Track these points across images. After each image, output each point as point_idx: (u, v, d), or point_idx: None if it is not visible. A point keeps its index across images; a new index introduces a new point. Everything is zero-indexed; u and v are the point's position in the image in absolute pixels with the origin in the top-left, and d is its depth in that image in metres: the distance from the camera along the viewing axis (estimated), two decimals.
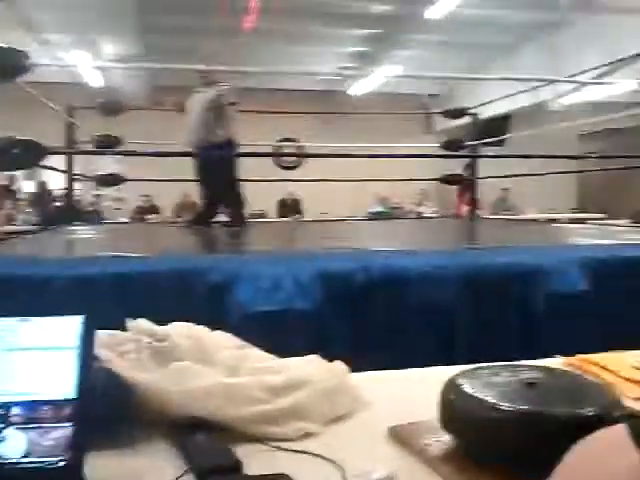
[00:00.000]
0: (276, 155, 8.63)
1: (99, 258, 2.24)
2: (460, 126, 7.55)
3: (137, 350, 0.95)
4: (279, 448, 0.84)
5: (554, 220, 8.14)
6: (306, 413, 0.91)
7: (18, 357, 0.75)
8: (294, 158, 9.26)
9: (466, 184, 6.24)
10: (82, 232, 4.62)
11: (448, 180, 6.15)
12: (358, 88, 11.51)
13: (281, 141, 8.72)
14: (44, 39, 8.32)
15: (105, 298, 1.90)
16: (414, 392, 1.06)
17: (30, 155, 2.25)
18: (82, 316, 0.77)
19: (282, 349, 1.12)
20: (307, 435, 0.89)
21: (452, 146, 5.94)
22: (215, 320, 1.16)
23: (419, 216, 9.60)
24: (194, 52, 9.13)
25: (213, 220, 4.85)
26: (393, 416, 0.93)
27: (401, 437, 0.88)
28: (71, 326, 0.77)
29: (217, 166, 4.61)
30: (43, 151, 2.30)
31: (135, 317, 1.08)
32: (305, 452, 0.82)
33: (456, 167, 6.50)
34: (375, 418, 0.96)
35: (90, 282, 1.99)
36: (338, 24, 9.12)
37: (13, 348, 0.76)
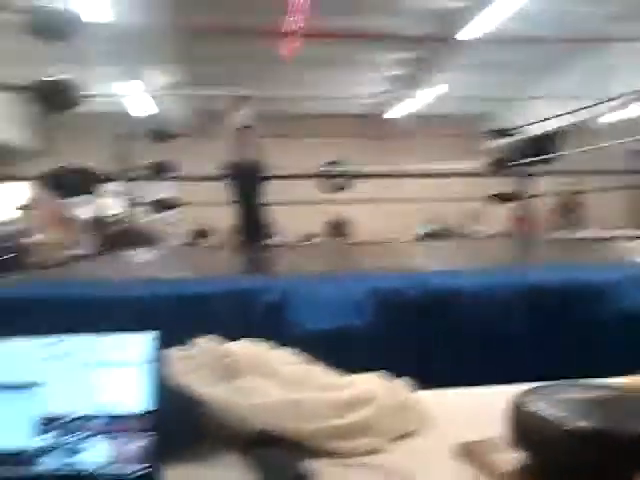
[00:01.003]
0: (322, 176, 8.68)
1: (158, 280, 2.30)
2: (506, 145, 7.49)
3: (204, 366, 0.97)
4: (348, 463, 0.85)
5: (617, 237, 7.90)
6: (373, 429, 0.91)
7: (96, 372, 0.78)
8: (341, 181, 9.30)
9: (519, 202, 6.15)
10: (139, 256, 4.73)
11: (499, 198, 6.07)
12: (400, 110, 11.52)
13: (328, 164, 8.76)
14: (95, 71, 8.62)
15: (166, 318, 1.94)
16: (477, 410, 1.05)
17: (86, 182, 2.34)
18: (152, 333, 0.79)
19: (337, 367, 1.12)
20: (375, 451, 0.89)
21: (499, 165, 5.88)
22: (272, 339, 1.17)
23: (470, 235, 9.49)
24: (234, 80, 9.36)
25: (257, 241, 4.94)
26: (459, 433, 0.92)
27: (470, 454, 0.87)
28: (142, 343, 0.79)
29: (243, 189, 4.76)
30: (98, 178, 2.38)
31: (197, 336, 1.10)
32: (374, 467, 0.82)
33: (505, 186, 6.42)
34: (442, 435, 0.96)
35: (150, 303, 2.04)
36: (378, 48, 9.18)
37: (90, 363, 0.78)
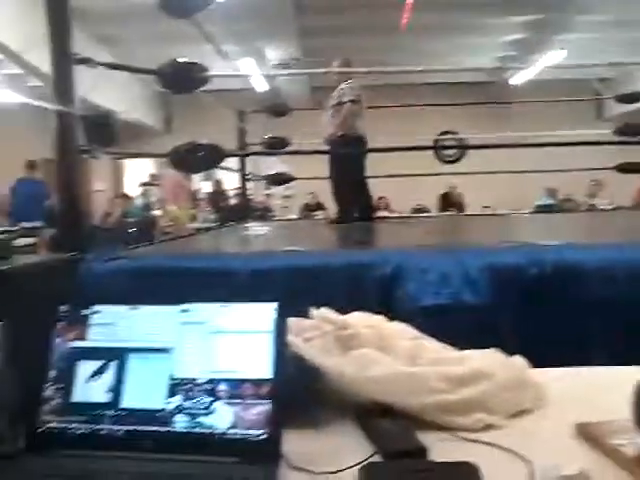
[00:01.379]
0: (436, 148, 8.51)
1: (275, 252, 2.37)
2: (636, 111, 7.00)
3: (321, 337, 1.00)
4: (462, 437, 0.85)
5: None
6: (488, 405, 0.90)
7: (221, 339, 0.83)
8: (455, 151, 9.09)
9: None
10: (256, 229, 4.90)
11: (626, 169, 5.69)
12: (519, 77, 11.04)
13: (442, 134, 8.58)
14: (217, 50, 8.88)
15: (282, 290, 2.00)
16: (597, 390, 1.02)
17: (212, 157, 2.44)
18: (274, 303, 0.83)
19: (450, 343, 1.12)
20: (489, 427, 0.89)
21: (629, 132, 5.49)
22: (384, 313, 1.18)
23: (592, 208, 9.00)
24: (351, 52, 9.30)
25: (354, 216, 4.92)
26: (578, 414, 0.90)
27: (590, 435, 0.84)
28: (265, 312, 0.83)
29: (342, 163, 4.72)
30: (222, 154, 2.47)
31: (311, 308, 1.13)
32: (490, 443, 0.82)
33: (634, 155, 6.02)
34: (559, 414, 0.94)
35: (267, 274, 2.12)
36: (495, 13, 8.80)
37: (216, 331, 0.84)
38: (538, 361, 1.10)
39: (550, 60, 9.28)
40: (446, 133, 8.69)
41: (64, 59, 2.15)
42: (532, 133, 6.40)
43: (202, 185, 12.03)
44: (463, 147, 8.25)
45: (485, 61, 10.54)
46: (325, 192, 10.03)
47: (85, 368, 0.84)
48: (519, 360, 1.03)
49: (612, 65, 9.22)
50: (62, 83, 2.18)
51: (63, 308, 0.88)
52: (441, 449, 0.81)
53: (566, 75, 10.43)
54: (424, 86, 11.00)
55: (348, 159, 4.75)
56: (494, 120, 10.08)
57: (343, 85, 4.81)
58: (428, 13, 8.21)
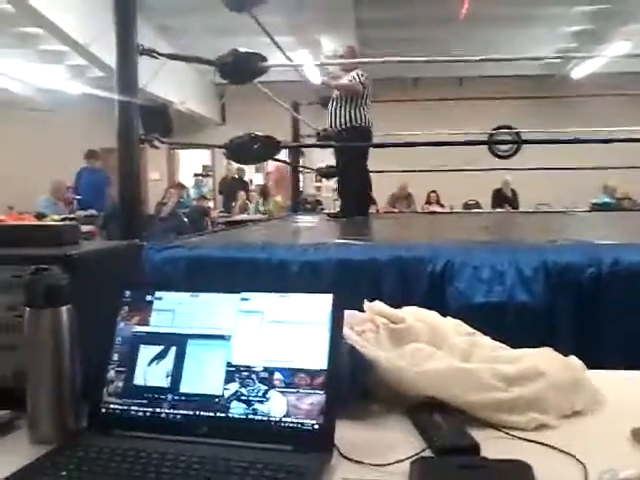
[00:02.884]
0: (490, 143, 8.37)
1: (326, 244, 2.38)
2: None
3: (374, 330, 1.01)
4: (514, 436, 0.85)
5: None
6: (541, 405, 0.90)
7: (278, 328, 0.85)
8: (510, 146, 8.92)
9: None
10: (305, 221, 4.92)
11: None
12: (581, 69, 10.74)
13: (497, 129, 8.43)
14: (273, 41, 8.92)
15: (332, 282, 2.02)
16: None
17: (267, 149, 2.47)
18: (332, 295, 0.85)
19: (501, 341, 1.11)
20: (542, 427, 0.88)
21: None
22: (435, 308, 1.18)
23: None
24: (407, 43, 9.21)
25: (363, 209, 4.87)
26: (635, 418, 0.88)
27: None
28: (322, 303, 0.85)
29: (344, 153, 4.67)
30: (278, 145, 2.51)
31: (363, 300, 1.14)
32: (543, 443, 0.82)
33: None
34: (615, 418, 0.92)
35: (317, 266, 2.13)
36: (558, 2, 8.57)
37: (274, 320, 0.86)
38: (593, 362, 1.08)
39: (614, 52, 8.99)
40: (502, 128, 8.53)
41: (129, 50, 2.21)
42: (591, 129, 6.22)
43: (254, 177, 12.16)
44: (518, 142, 8.08)
45: (546, 53, 10.27)
46: (377, 185, 9.96)
47: (146, 352, 0.87)
48: (575, 361, 1.02)
49: None
50: (126, 74, 2.24)
51: (127, 293, 0.91)
52: (493, 447, 0.80)
53: (630, 68, 10.09)
54: (482, 79, 10.82)
55: (356, 152, 4.70)
56: (552, 114, 9.85)
57: (353, 73, 4.76)
58: (488, 3, 8.06)
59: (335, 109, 4.74)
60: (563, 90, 10.44)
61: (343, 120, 4.68)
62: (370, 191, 5.28)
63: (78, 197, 8.23)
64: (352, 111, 4.70)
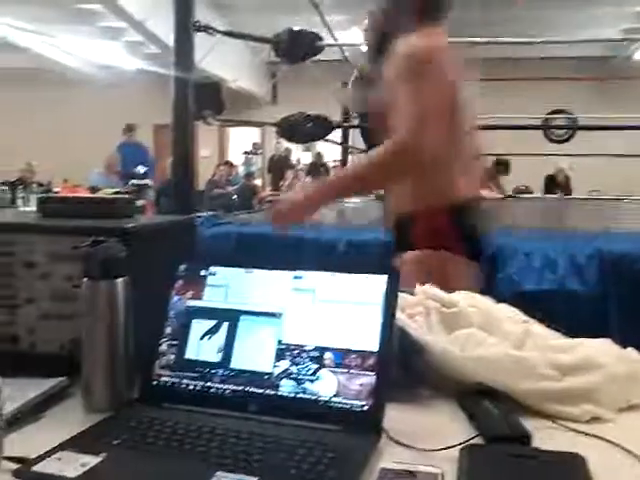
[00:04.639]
0: (545, 128, 8.16)
1: (371, 226, 2.37)
2: None
3: (426, 313, 1.00)
4: (567, 427, 0.83)
5: None
6: (596, 396, 0.87)
7: (330, 308, 0.85)
8: (565, 131, 8.68)
9: None
10: (353, 201, 4.90)
11: None
12: None
13: (552, 113, 8.20)
14: (326, 20, 8.86)
15: (378, 263, 2.01)
16: None
17: (320, 129, 2.47)
18: (386, 275, 0.84)
19: (554, 330, 1.08)
20: (596, 419, 0.86)
21: None
22: (486, 294, 1.16)
23: None
24: (465, 23, 8.99)
25: None
26: None
27: None
28: (376, 284, 0.84)
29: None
30: (331, 125, 2.50)
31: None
32: (598, 436, 0.79)
33: None
34: None
35: (362, 247, 2.13)
36: None
37: (326, 299, 0.85)
38: None
39: None
40: (558, 112, 8.30)
41: (186, 27, 2.22)
42: None
43: (302, 156, 12.16)
44: (573, 127, 7.85)
45: (609, 34, 9.90)
46: None
47: (199, 327, 0.88)
48: (633, 353, 0.99)
49: None
50: (182, 50, 2.26)
51: (182, 267, 0.92)
52: (545, 437, 0.79)
53: None
54: (540, 60, 10.51)
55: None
56: (612, 97, 9.53)
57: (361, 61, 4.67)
58: None
59: (359, 90, 4.67)
60: (625, 72, 10.08)
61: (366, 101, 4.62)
62: None
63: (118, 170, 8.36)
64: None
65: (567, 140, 8.47)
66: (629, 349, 1.00)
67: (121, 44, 10.70)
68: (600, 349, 0.97)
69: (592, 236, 2.31)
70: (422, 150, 1.51)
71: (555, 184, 10.08)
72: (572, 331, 1.06)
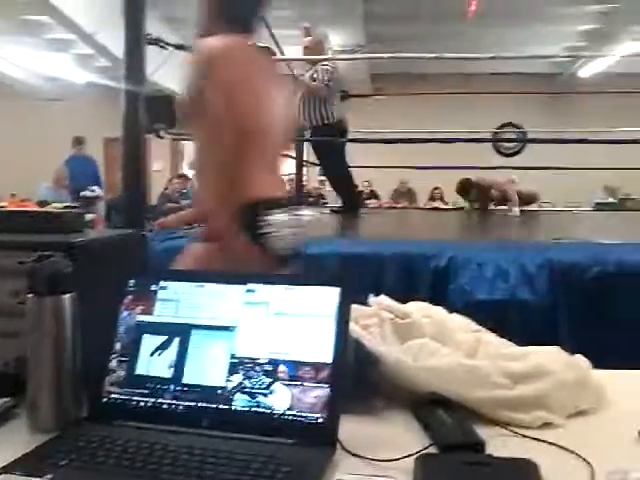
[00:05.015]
0: (495, 141, 8.36)
1: (330, 238, 2.38)
2: None
3: (379, 324, 1.00)
4: (520, 434, 0.84)
5: None
6: (547, 403, 0.89)
7: (283, 321, 0.84)
8: (515, 144, 8.90)
9: None
10: (308, 215, 4.91)
11: None
12: (588, 69, 10.71)
13: (502, 126, 8.42)
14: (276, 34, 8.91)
15: (334, 275, 2.01)
16: None
17: None
18: (340, 288, 0.83)
19: (504, 339, 1.10)
20: (548, 425, 0.87)
21: None
22: (438, 304, 1.17)
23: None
24: (415, 39, 9.18)
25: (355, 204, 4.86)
26: None
27: None
28: (328, 296, 0.84)
29: (325, 149, 4.62)
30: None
31: (367, 295, 1.13)
32: (549, 442, 0.81)
33: None
34: (621, 417, 0.91)
35: (320, 260, 2.13)
36: (567, 1, 8.53)
37: (279, 312, 0.85)
38: (598, 362, 1.07)
39: (622, 52, 8.96)
40: (507, 125, 8.52)
41: (137, 39, 2.20)
42: (595, 129, 6.20)
43: None
44: (523, 141, 8.06)
45: (554, 51, 10.23)
46: (379, 181, 9.95)
47: (150, 342, 0.86)
48: (581, 360, 1.01)
49: None
50: (133, 63, 2.23)
51: (131, 282, 0.90)
52: (498, 444, 0.80)
53: (638, 69, 10.05)
54: (488, 76, 10.79)
55: (338, 149, 4.66)
56: (559, 113, 9.83)
57: (318, 69, 4.63)
58: (497, 1, 8.03)
59: (305, 107, 4.63)
60: (570, 89, 10.41)
61: (313, 118, 4.60)
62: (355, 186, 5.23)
63: (66, 184, 8.19)
64: (321, 109, 4.61)
65: (516, 154, 8.70)
66: (577, 356, 1.02)
67: (70, 56, 10.52)
68: (550, 357, 0.98)
69: (543, 247, 2.36)
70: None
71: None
72: (523, 339, 1.08)
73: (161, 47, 2.28)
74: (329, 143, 4.53)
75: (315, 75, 4.63)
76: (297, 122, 4.65)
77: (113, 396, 0.85)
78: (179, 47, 2.72)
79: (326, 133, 4.57)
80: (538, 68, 11.30)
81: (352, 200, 4.86)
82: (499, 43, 9.46)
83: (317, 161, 4.97)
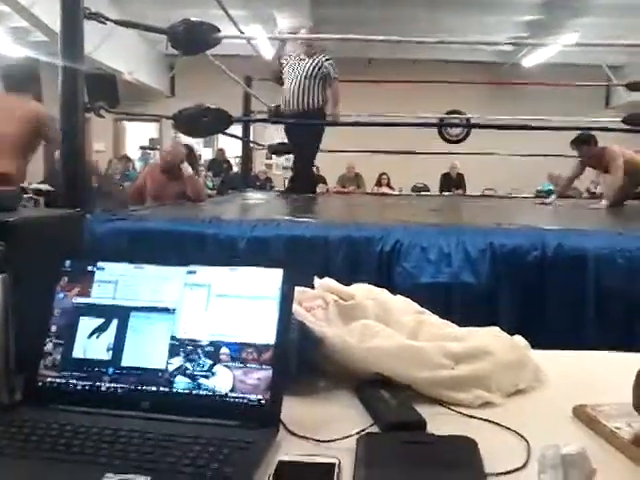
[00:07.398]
0: (441, 125, 8.46)
1: (276, 221, 2.36)
2: None
3: (324, 306, 1.00)
4: (460, 413, 0.85)
5: None
6: (486, 383, 0.91)
7: (226, 302, 0.83)
8: (460, 131, 9.04)
9: None
10: (255, 198, 4.88)
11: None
12: (531, 59, 10.94)
13: (448, 113, 8.51)
14: (226, 14, 8.74)
15: (285, 258, 2.00)
16: (595, 374, 1.03)
17: (219, 122, 2.41)
18: (282, 269, 0.83)
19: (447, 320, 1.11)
20: (487, 404, 0.89)
21: (637, 121, 5.44)
22: (383, 287, 1.17)
23: (594, 196, 8.96)
24: (362, 23, 9.16)
25: (312, 187, 5.03)
26: (576, 396, 0.90)
27: (588, 418, 0.84)
28: (271, 278, 0.83)
29: (308, 134, 4.76)
30: (230, 119, 2.45)
31: (313, 277, 1.13)
32: (488, 420, 0.82)
33: None
34: (557, 396, 0.94)
35: (266, 242, 2.11)
36: None
37: (221, 294, 0.83)
38: (536, 342, 1.10)
39: (563, 43, 9.18)
40: (452, 112, 8.62)
41: (74, 13, 2.11)
42: (538, 117, 6.34)
43: (203, 152, 11.96)
44: (467, 126, 8.18)
45: (498, 41, 10.39)
46: (329, 165, 9.93)
47: (86, 325, 0.84)
48: (520, 340, 1.03)
49: (627, 47, 9.08)
50: (70, 38, 2.15)
51: (67, 263, 0.87)
52: (439, 423, 0.81)
53: (577, 60, 10.32)
54: (434, 63, 10.89)
55: (318, 133, 4.81)
56: (502, 101, 10.02)
57: (325, 62, 4.82)
58: None
59: (302, 90, 4.74)
60: (513, 78, 10.62)
61: (311, 102, 4.71)
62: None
63: None
64: (320, 95, 4.78)
65: (461, 140, 8.83)
66: (516, 336, 1.05)
67: (3, 29, 10.08)
68: (490, 337, 1.00)
69: (485, 231, 2.40)
70: None
71: (450, 182, 10.47)
72: (466, 321, 1.10)
73: (100, 22, 2.20)
74: (316, 127, 4.66)
75: (325, 70, 4.80)
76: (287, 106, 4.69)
77: (49, 380, 0.82)
78: (120, 23, 2.64)
79: (317, 117, 4.73)
80: (483, 57, 11.47)
81: (311, 184, 5.01)
82: (447, 30, 9.54)
83: (289, 142, 5.03)
